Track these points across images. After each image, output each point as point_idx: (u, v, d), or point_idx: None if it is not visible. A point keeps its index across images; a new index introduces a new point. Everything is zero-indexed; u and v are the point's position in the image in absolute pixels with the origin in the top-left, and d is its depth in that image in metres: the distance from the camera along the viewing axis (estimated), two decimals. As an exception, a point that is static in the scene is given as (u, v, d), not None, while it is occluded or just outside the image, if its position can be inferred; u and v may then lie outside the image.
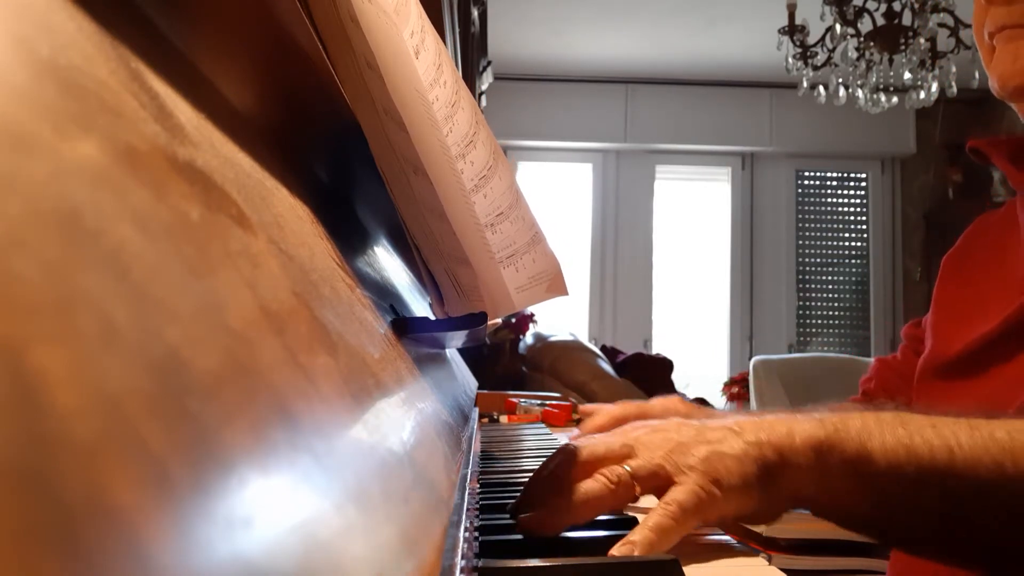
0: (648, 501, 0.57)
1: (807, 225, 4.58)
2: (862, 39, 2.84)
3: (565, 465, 0.50)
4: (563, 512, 0.46)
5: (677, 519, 0.45)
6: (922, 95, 2.99)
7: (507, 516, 0.50)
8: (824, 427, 0.49)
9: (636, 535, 0.43)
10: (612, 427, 0.70)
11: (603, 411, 0.78)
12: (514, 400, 1.37)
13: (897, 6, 2.79)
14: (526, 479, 0.67)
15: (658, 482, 0.48)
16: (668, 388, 2.84)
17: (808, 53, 2.99)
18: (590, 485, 0.47)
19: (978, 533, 0.48)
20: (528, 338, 2.80)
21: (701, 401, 2.71)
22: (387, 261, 0.63)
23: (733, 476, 0.47)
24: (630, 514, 0.51)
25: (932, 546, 0.52)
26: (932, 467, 0.47)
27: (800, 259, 4.54)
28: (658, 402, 0.79)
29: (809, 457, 0.48)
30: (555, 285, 0.64)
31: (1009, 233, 0.73)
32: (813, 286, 4.55)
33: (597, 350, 2.90)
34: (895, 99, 3.08)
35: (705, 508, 0.46)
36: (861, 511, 0.50)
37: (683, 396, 0.80)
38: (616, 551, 0.43)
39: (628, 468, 0.48)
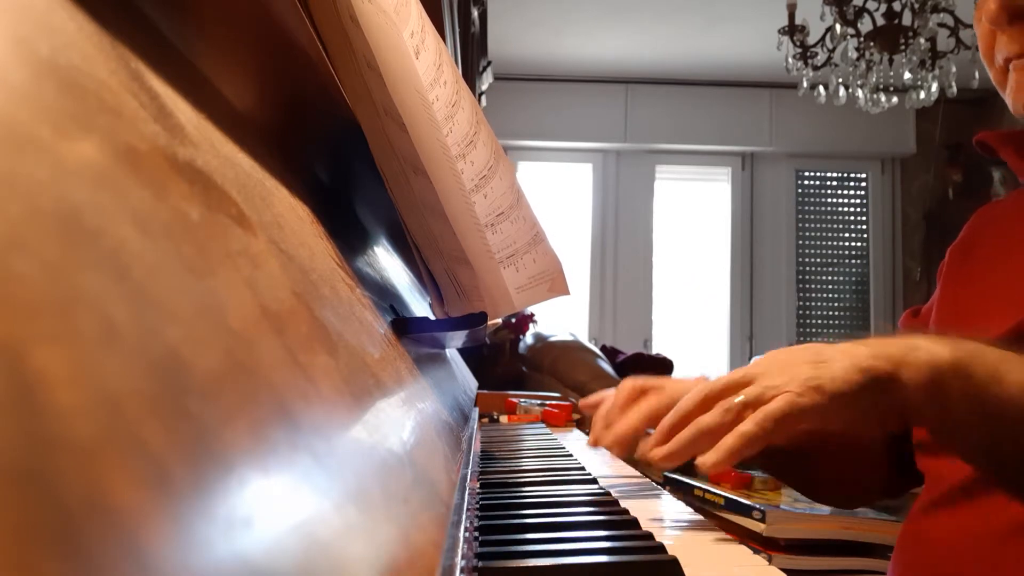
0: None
1: (807, 225, 4.58)
2: (862, 39, 2.84)
3: (688, 403, 0.54)
4: (681, 449, 0.51)
5: (764, 427, 0.48)
6: (922, 95, 2.98)
7: (507, 516, 0.50)
8: (955, 349, 0.49)
9: (724, 442, 0.48)
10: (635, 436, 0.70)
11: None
12: (514, 400, 1.37)
13: (897, 6, 2.78)
14: (526, 479, 0.67)
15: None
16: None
17: (808, 53, 2.99)
18: (707, 418, 0.51)
19: None
20: (528, 338, 2.80)
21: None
22: (387, 261, 0.63)
23: (837, 383, 0.49)
24: (631, 515, 0.51)
25: None
26: None
27: (800, 259, 4.54)
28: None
29: (923, 373, 0.49)
30: (557, 285, 0.64)
31: (1015, 227, 0.71)
32: (813, 286, 4.54)
33: (597, 350, 2.90)
34: (895, 99, 3.08)
35: (804, 415, 0.48)
36: (975, 440, 0.50)
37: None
38: (708, 457, 0.48)
39: (742, 397, 0.51)
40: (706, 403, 0.53)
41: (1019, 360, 0.49)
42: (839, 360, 0.50)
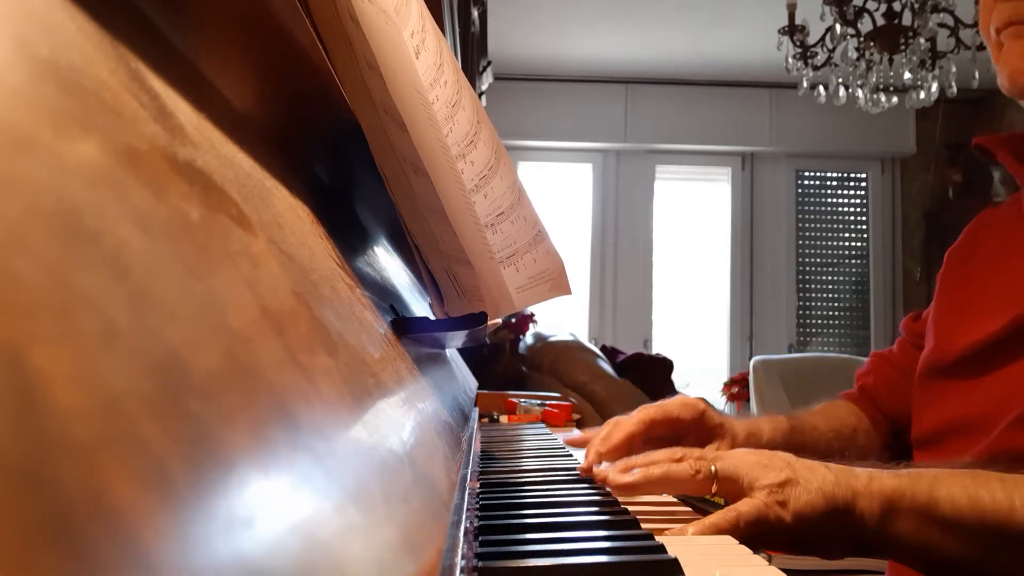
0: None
1: (807, 225, 4.58)
2: (862, 39, 2.84)
3: (661, 455, 0.57)
4: (645, 482, 0.55)
5: (733, 525, 0.50)
6: (922, 95, 2.98)
7: (507, 516, 0.50)
8: (899, 478, 0.53)
9: (693, 527, 0.50)
10: (630, 444, 0.71)
11: (619, 426, 0.73)
12: (514, 400, 1.37)
13: (897, 6, 2.78)
14: (526, 479, 0.67)
15: (733, 487, 0.53)
16: (668, 388, 2.84)
17: (808, 53, 2.99)
18: (676, 466, 0.55)
19: None
20: (528, 338, 2.80)
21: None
22: (387, 261, 0.63)
23: (800, 502, 0.51)
24: (631, 514, 0.51)
25: None
26: (994, 517, 0.49)
27: (800, 259, 4.53)
28: (677, 400, 0.77)
29: (881, 504, 0.52)
30: (558, 284, 0.64)
31: (1013, 229, 0.72)
32: (813, 286, 4.54)
33: (597, 350, 2.90)
34: (895, 99, 3.08)
35: (767, 525, 0.51)
36: (922, 553, 0.52)
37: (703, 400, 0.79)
38: (670, 535, 0.50)
39: (714, 467, 0.54)
40: (677, 455, 0.57)
41: (949, 476, 0.53)
42: (806, 482, 0.52)
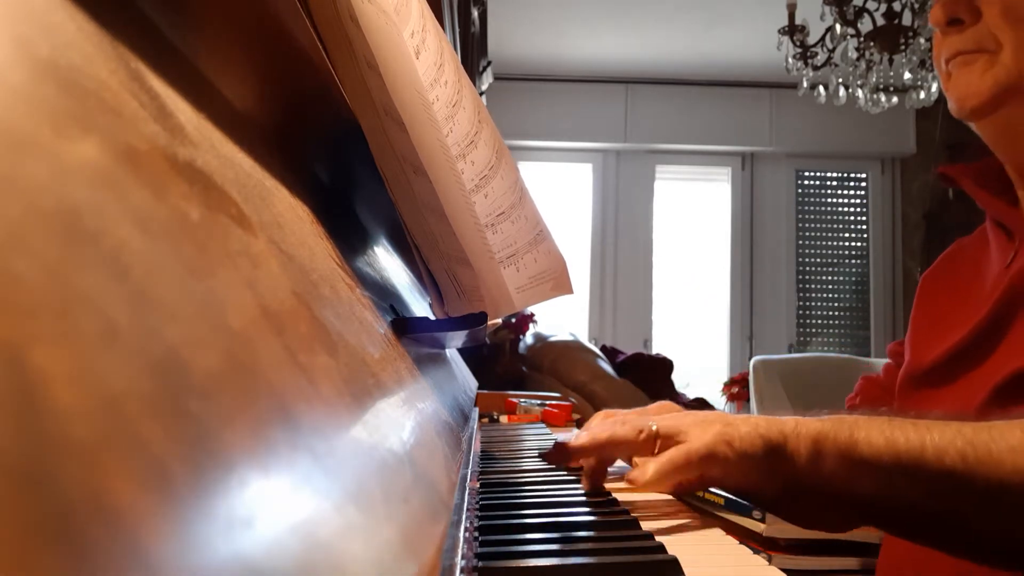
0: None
1: (807, 225, 4.58)
2: (862, 39, 2.84)
3: (599, 422, 0.62)
4: (592, 443, 0.58)
5: (679, 464, 0.55)
6: (922, 95, 2.98)
7: (507, 516, 0.50)
8: (823, 422, 0.56)
9: (636, 472, 0.54)
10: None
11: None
12: (514, 400, 1.37)
13: (897, 6, 2.78)
14: (526, 479, 0.68)
15: (675, 444, 0.57)
16: (668, 388, 2.84)
17: (808, 53, 2.99)
18: (618, 429, 0.59)
19: (955, 519, 0.54)
20: (528, 338, 2.80)
21: (701, 401, 2.72)
22: (387, 261, 0.63)
23: (744, 443, 0.55)
24: (631, 514, 0.51)
25: (917, 530, 0.58)
26: (908, 456, 0.53)
27: (800, 259, 4.53)
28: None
29: (808, 445, 0.55)
30: (560, 284, 0.64)
31: (982, 254, 0.79)
32: (813, 286, 4.54)
33: (597, 350, 2.89)
34: (895, 99, 3.08)
35: (714, 462, 0.55)
36: (851, 494, 0.55)
37: (683, 396, 0.83)
38: (627, 476, 0.55)
39: (654, 426, 0.58)
40: (616, 422, 0.61)
41: (867, 419, 0.56)
42: (743, 426, 0.56)
